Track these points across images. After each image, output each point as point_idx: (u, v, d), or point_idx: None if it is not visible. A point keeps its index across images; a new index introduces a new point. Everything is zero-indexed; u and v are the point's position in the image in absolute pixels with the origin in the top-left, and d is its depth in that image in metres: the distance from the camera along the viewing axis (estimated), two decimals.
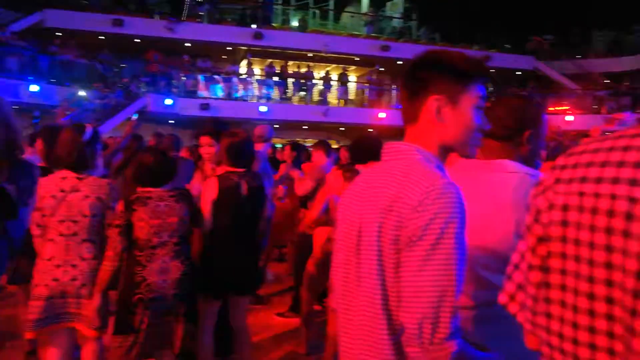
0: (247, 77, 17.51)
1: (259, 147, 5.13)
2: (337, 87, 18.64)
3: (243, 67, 18.37)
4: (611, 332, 0.69)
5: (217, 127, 3.48)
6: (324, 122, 17.31)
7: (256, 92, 17.11)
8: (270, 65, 18.19)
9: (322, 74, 19.24)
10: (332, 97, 18.43)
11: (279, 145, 11.04)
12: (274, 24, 18.23)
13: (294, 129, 18.11)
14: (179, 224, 2.71)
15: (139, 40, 16.20)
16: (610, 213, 0.68)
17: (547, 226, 0.78)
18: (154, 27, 16.03)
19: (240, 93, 16.79)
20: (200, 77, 16.46)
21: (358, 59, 18.81)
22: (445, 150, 1.23)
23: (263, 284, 3.76)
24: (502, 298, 0.91)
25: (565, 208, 0.75)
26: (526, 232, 0.85)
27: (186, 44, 16.79)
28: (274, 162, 6.80)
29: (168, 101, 14.97)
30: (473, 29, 20.19)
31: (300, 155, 5.52)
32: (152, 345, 2.65)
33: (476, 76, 1.21)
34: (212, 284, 2.93)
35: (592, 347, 0.71)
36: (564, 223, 0.75)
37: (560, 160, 0.81)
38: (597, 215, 0.70)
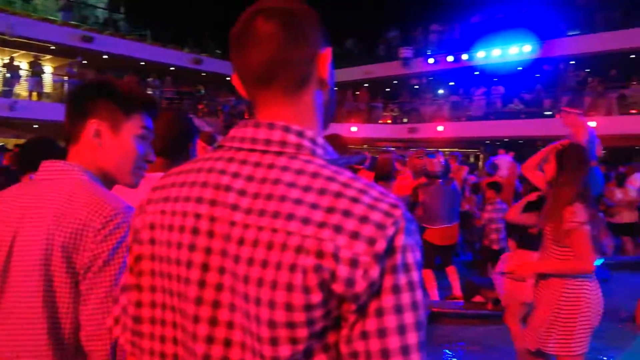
0: None
1: None
2: (27, 77, 16.10)
3: None
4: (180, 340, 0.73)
5: None
6: (11, 117, 14.83)
7: None
8: None
9: (6, 60, 16.36)
10: (22, 89, 15.93)
11: None
12: None
13: None
14: None
15: None
16: (182, 229, 0.73)
17: (141, 244, 0.79)
18: None
19: None
20: None
21: (54, 47, 16.74)
22: (106, 177, 1.22)
23: None
24: (109, 322, 0.85)
25: (152, 227, 0.77)
26: (128, 253, 0.84)
27: None
28: None
29: None
30: (184, 32, 20.35)
31: None
32: None
33: (140, 106, 1.23)
34: None
35: (176, 358, 0.74)
36: (152, 241, 0.77)
37: (156, 182, 0.84)
38: (172, 231, 0.74)
